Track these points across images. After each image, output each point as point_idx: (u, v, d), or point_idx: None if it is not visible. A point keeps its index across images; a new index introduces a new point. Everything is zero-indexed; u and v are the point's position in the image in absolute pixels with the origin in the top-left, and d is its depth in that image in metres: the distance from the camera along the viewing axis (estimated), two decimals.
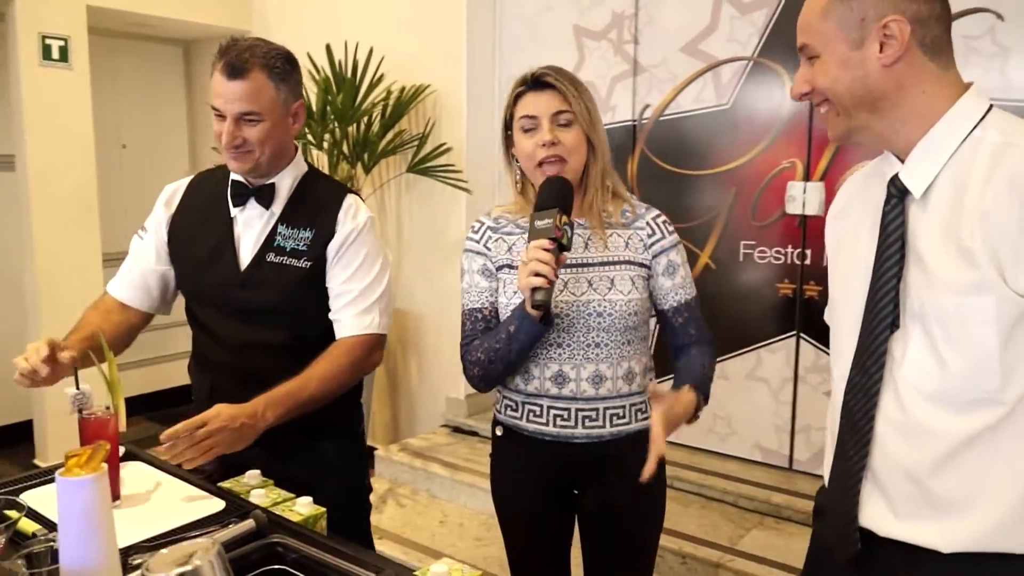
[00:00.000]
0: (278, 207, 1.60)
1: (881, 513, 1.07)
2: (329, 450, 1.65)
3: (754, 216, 2.93)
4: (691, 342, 1.52)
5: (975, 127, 1.00)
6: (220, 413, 1.37)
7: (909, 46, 0.99)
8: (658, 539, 1.61)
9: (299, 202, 1.61)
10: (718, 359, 3.00)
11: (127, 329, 1.64)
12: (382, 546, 2.72)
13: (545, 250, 1.30)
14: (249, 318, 1.57)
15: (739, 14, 2.84)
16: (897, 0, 0.99)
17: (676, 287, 1.50)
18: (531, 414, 1.50)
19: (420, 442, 3.47)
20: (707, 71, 2.95)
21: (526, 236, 1.43)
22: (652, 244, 1.49)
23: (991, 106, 1.02)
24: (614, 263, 1.47)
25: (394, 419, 3.89)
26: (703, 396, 1.43)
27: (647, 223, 1.51)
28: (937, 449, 1.00)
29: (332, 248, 1.58)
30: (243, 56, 1.47)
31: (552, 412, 1.48)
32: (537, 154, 1.42)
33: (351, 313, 1.58)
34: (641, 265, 1.48)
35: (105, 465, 0.90)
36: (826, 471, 1.20)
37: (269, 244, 1.58)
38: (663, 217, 1.53)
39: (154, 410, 4.31)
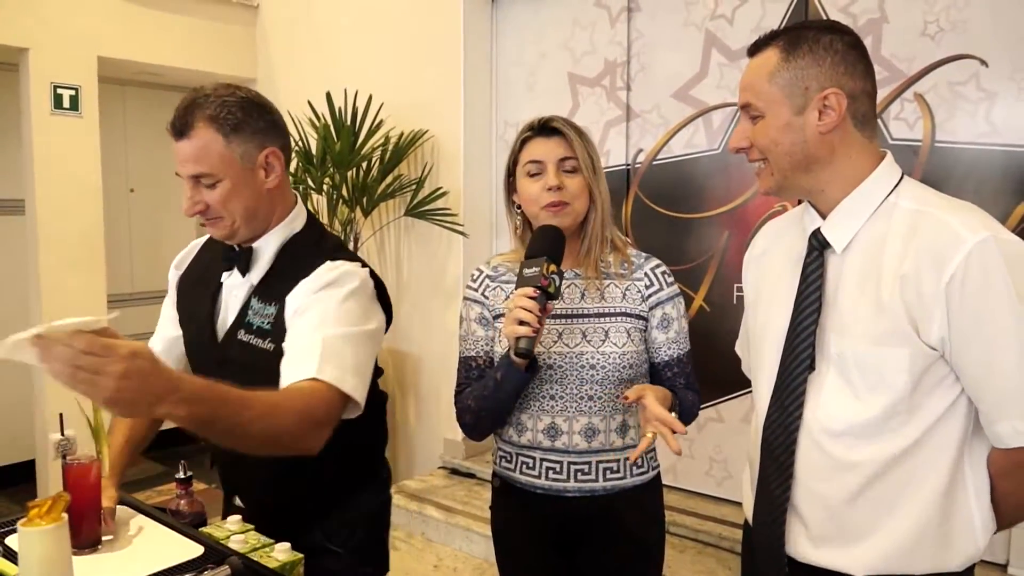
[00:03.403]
0: (257, 275, 1.41)
1: (800, 541, 1.16)
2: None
3: None
4: (677, 390, 1.49)
5: (890, 193, 1.11)
6: (141, 353, 0.93)
7: (844, 117, 1.09)
8: None
9: (277, 271, 1.39)
10: (714, 402, 3.05)
11: None
12: None
13: (530, 298, 1.30)
14: None
15: (728, 61, 2.90)
16: (837, 75, 1.09)
17: (669, 341, 1.48)
18: (524, 466, 1.49)
19: (417, 484, 3.46)
20: (698, 117, 3.00)
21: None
22: (649, 296, 1.47)
23: (903, 175, 1.14)
24: (610, 315, 1.45)
25: (392, 460, 3.87)
26: (680, 406, 1.43)
27: (645, 274, 1.48)
28: (854, 481, 1.10)
29: (287, 316, 1.33)
30: (185, 113, 1.32)
31: (544, 465, 1.47)
32: (542, 198, 1.42)
33: (309, 358, 1.21)
34: (638, 317, 1.46)
35: (65, 516, 0.93)
36: (746, 503, 1.29)
37: (241, 319, 1.39)
38: (663, 268, 1.51)
39: (160, 449, 4.32)
